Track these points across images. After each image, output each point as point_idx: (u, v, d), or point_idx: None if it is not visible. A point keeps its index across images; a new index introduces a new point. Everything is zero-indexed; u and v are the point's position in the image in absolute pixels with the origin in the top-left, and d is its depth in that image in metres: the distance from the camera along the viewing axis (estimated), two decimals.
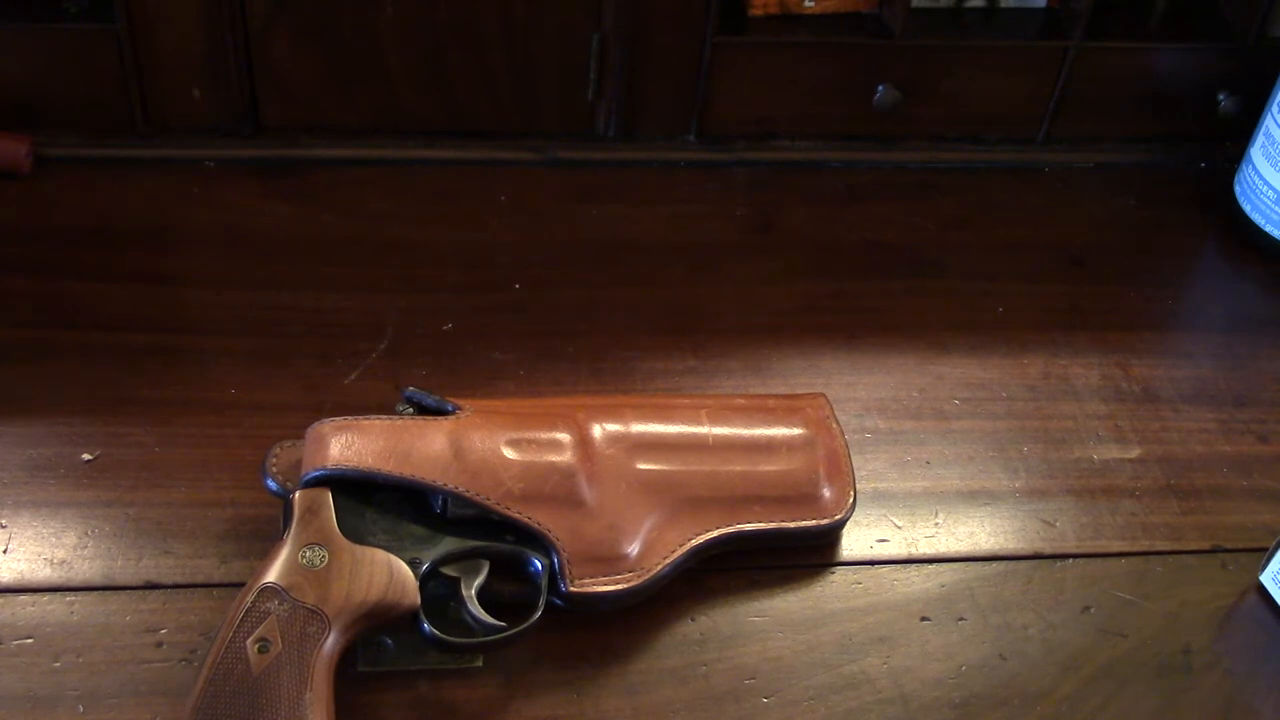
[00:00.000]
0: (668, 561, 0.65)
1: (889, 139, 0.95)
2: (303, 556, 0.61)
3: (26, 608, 0.64)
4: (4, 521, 0.68)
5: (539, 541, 0.64)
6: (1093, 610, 0.69)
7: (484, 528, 0.64)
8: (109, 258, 0.82)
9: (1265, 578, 0.70)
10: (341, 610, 0.60)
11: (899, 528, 0.72)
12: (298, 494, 0.63)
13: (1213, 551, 0.73)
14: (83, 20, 0.83)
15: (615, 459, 0.67)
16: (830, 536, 0.70)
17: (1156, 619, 0.69)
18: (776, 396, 0.74)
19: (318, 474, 0.63)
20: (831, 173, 0.94)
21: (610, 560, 0.65)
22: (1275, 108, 0.88)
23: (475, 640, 0.62)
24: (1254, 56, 0.94)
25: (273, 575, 0.60)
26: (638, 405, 0.70)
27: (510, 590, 0.64)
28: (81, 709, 0.61)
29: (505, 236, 0.86)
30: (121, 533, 0.68)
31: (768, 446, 0.70)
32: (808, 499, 0.69)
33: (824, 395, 0.74)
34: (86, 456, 0.71)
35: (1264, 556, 0.71)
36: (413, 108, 0.89)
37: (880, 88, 0.92)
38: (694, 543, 0.66)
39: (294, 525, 0.62)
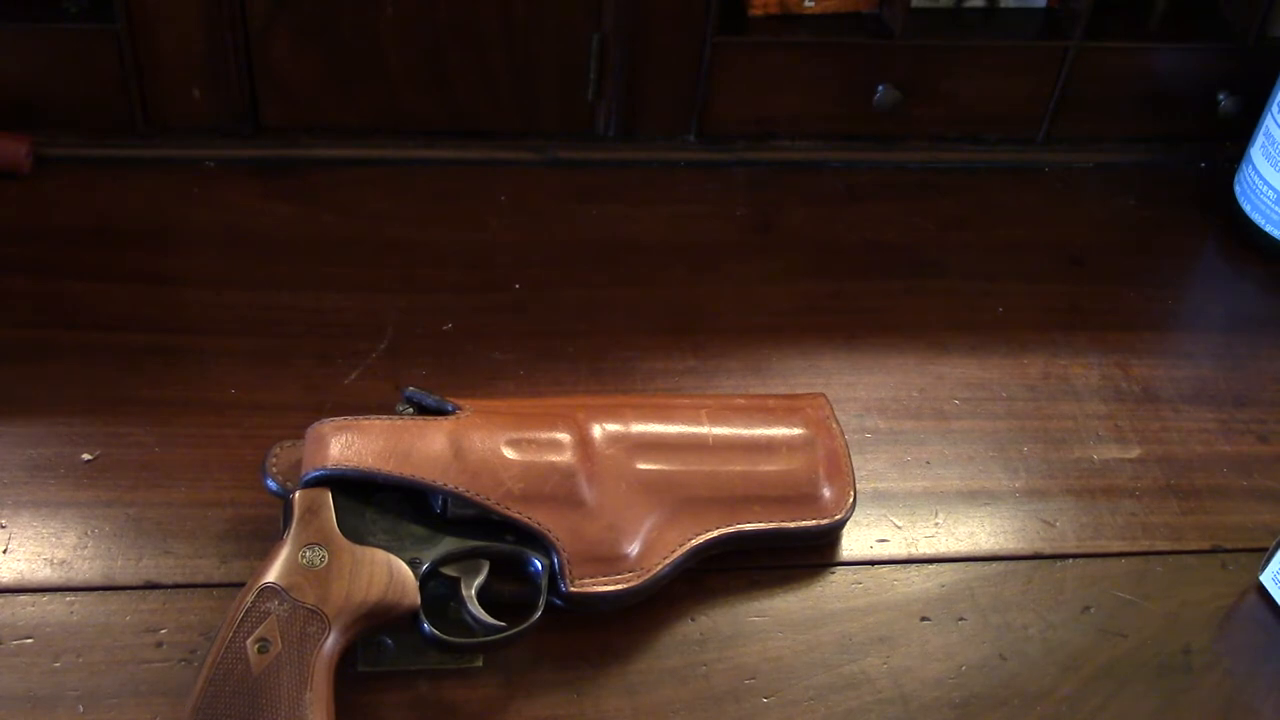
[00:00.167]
0: (668, 561, 0.65)
1: (889, 139, 0.95)
2: (303, 556, 0.61)
3: (26, 608, 0.64)
4: (4, 521, 0.68)
5: (539, 541, 0.64)
6: (1093, 610, 0.69)
7: (484, 528, 0.64)
8: (109, 258, 0.82)
9: (1265, 578, 0.70)
10: (341, 610, 0.60)
11: (899, 528, 0.72)
12: (298, 494, 0.63)
13: (1213, 551, 0.73)
14: (83, 20, 0.83)
15: (615, 459, 0.67)
16: (830, 536, 0.70)
17: (1156, 619, 0.69)
18: (776, 396, 0.74)
19: (318, 474, 0.63)
20: (831, 173, 0.94)
21: (610, 560, 0.65)
22: (1275, 108, 0.88)
23: (475, 640, 0.62)
24: (1254, 56, 0.94)
25: (273, 575, 0.60)
26: (638, 405, 0.70)
27: (510, 590, 0.64)
28: (81, 709, 0.61)
29: (505, 236, 0.86)
30: (121, 533, 0.68)
31: (768, 446, 0.70)
32: (808, 499, 0.69)
33: (824, 395, 0.74)
34: (86, 456, 0.71)
35: (1264, 556, 0.71)
36: (413, 108, 0.89)
37: (880, 88, 0.92)
38: (694, 543, 0.66)
39: (294, 525, 0.62)
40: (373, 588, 0.61)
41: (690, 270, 0.85)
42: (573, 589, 0.64)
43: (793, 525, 0.68)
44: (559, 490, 0.65)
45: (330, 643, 0.59)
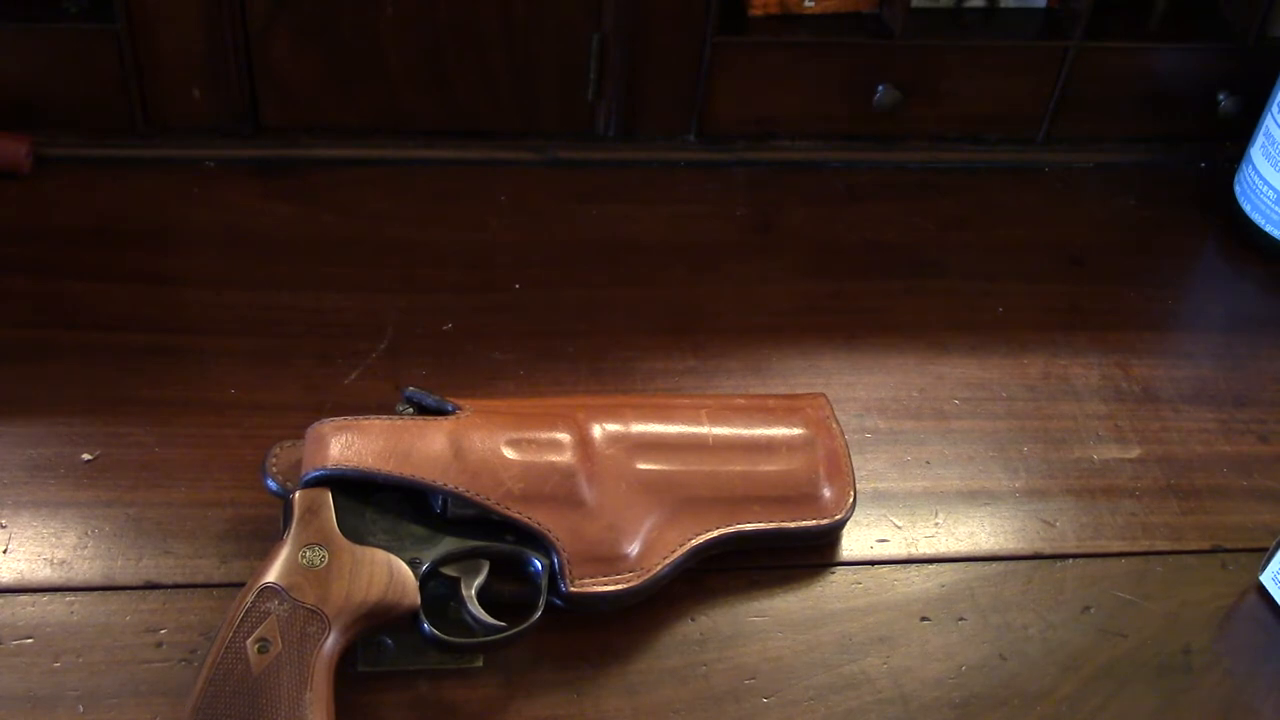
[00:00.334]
0: (668, 561, 0.65)
1: (889, 139, 0.95)
2: (303, 556, 0.61)
3: (26, 608, 0.64)
4: (4, 521, 0.68)
5: (539, 541, 0.64)
6: (1093, 610, 0.69)
7: (484, 528, 0.64)
8: (109, 258, 0.82)
9: (1265, 578, 0.70)
10: (341, 610, 0.60)
11: (899, 528, 0.72)
12: (298, 494, 0.63)
13: (1213, 551, 0.73)
14: (83, 20, 0.83)
15: (615, 459, 0.67)
16: (830, 536, 0.70)
17: (1156, 619, 0.69)
18: (776, 396, 0.74)
19: (318, 474, 0.63)
20: (831, 173, 0.94)
21: (610, 560, 0.65)
22: (1275, 108, 0.88)
23: (475, 640, 0.62)
24: (1254, 56, 0.94)
25: (273, 575, 0.60)
26: (638, 405, 0.70)
27: (510, 590, 0.64)
28: (81, 709, 0.61)
29: (505, 236, 0.86)
30: (121, 533, 0.68)
31: (768, 446, 0.70)
32: (808, 499, 0.69)
33: (824, 395, 0.74)
34: (86, 456, 0.71)
35: (1264, 556, 0.71)
36: (413, 108, 0.89)
37: (880, 88, 0.92)
38: (694, 543, 0.66)
39: (294, 525, 0.62)
40: (373, 588, 0.61)
41: (690, 270, 0.85)
42: (573, 589, 0.64)
43: (793, 525, 0.68)
44: (559, 490, 0.65)
45: (330, 643, 0.59)
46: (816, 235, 0.89)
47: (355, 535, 0.62)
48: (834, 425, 0.72)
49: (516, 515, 0.64)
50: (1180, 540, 0.73)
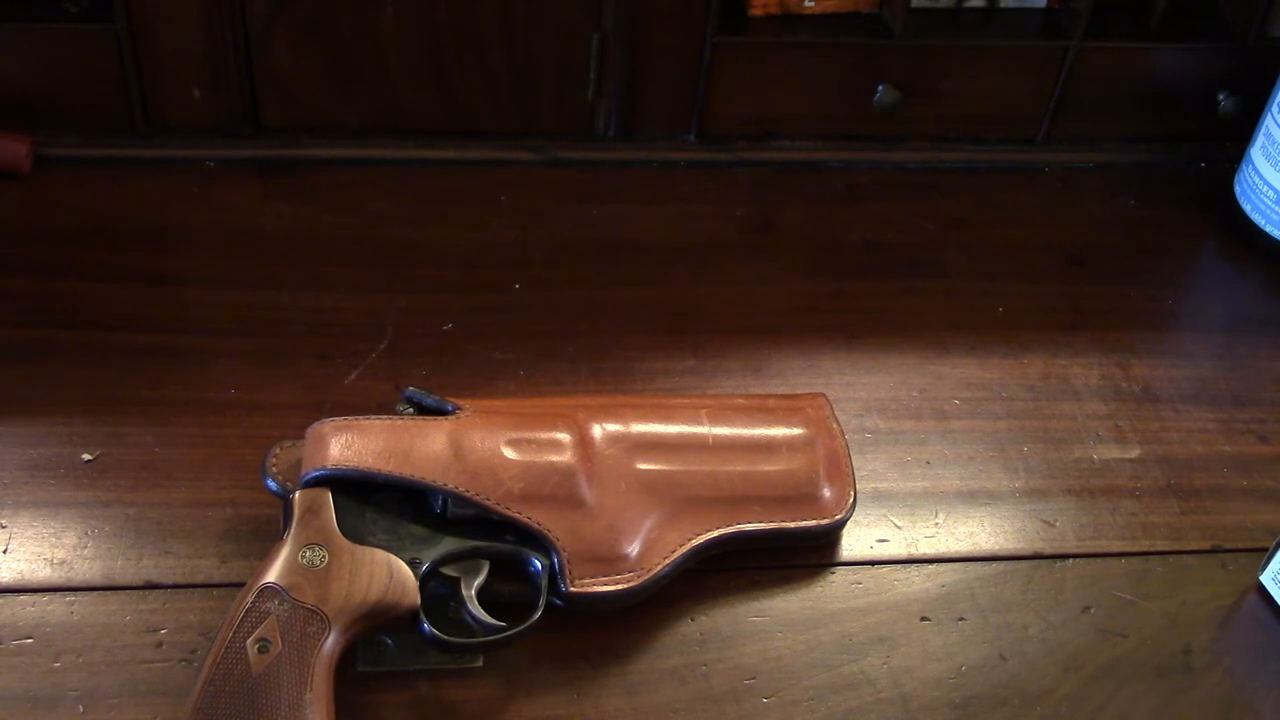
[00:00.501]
0: (668, 561, 0.65)
1: (889, 139, 0.95)
2: (303, 556, 0.61)
3: (26, 608, 0.64)
4: (4, 521, 0.68)
5: (539, 541, 0.64)
6: (1093, 610, 0.69)
7: (484, 528, 0.64)
8: (109, 258, 0.82)
9: (1265, 578, 0.70)
10: (341, 610, 0.60)
11: (899, 528, 0.72)
12: (298, 494, 0.63)
13: (1213, 551, 0.73)
14: (83, 20, 0.83)
15: (615, 459, 0.67)
16: (830, 536, 0.70)
17: (1156, 619, 0.69)
18: (776, 396, 0.74)
19: (318, 474, 0.63)
20: (831, 173, 0.94)
21: (610, 560, 0.65)
22: (1275, 108, 0.88)
23: (475, 640, 0.62)
24: (1254, 56, 0.94)
25: (273, 575, 0.60)
26: (638, 405, 0.70)
27: (510, 590, 0.64)
28: (81, 709, 0.61)
29: (505, 236, 0.86)
30: (121, 533, 0.68)
31: (768, 446, 0.70)
32: (808, 499, 0.69)
33: (824, 395, 0.74)
34: (86, 456, 0.71)
35: (1264, 556, 0.71)
36: (413, 108, 0.89)
37: (880, 88, 0.92)
38: (694, 543, 0.66)
39: (294, 525, 0.62)
40: (373, 588, 0.61)
41: (690, 270, 0.85)
42: (573, 589, 0.64)
43: (793, 525, 0.68)
44: (559, 490, 0.65)
45: (330, 643, 0.59)
46: (816, 235, 0.89)
47: (355, 535, 0.62)
48: (834, 425, 0.72)
49: (516, 515, 0.64)
50: (1180, 540, 0.73)
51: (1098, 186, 0.95)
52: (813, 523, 0.69)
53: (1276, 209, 0.89)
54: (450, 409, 0.67)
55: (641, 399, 0.72)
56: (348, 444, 0.64)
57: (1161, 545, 0.73)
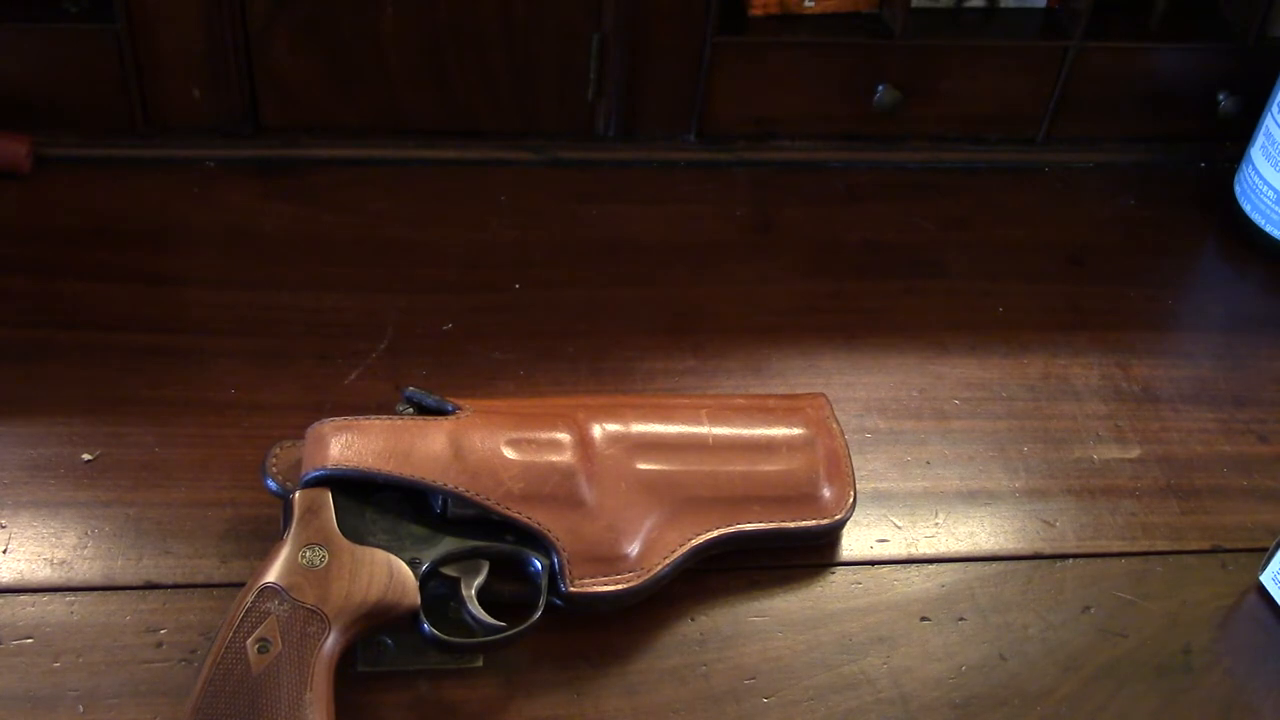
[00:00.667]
0: (668, 561, 0.65)
1: (889, 139, 0.95)
2: (303, 556, 0.61)
3: (26, 608, 0.64)
4: (4, 521, 0.68)
5: (539, 541, 0.64)
6: (1093, 610, 0.69)
7: (484, 528, 0.64)
8: (109, 258, 0.82)
9: (1265, 578, 0.70)
10: (341, 610, 0.60)
11: (899, 528, 0.72)
12: (298, 494, 0.63)
13: (1213, 551, 0.73)
14: (83, 20, 0.83)
15: (615, 459, 0.67)
16: (830, 536, 0.70)
17: (1156, 619, 0.69)
18: (776, 396, 0.74)
19: (318, 474, 0.63)
20: (831, 173, 0.94)
21: (610, 560, 0.65)
22: (1275, 108, 0.88)
23: (475, 640, 0.62)
24: (1254, 56, 0.94)
25: (273, 575, 0.60)
26: (638, 405, 0.70)
27: (510, 590, 0.64)
28: (81, 709, 0.61)
29: (505, 236, 0.86)
30: (121, 533, 0.68)
31: (768, 446, 0.70)
32: (808, 499, 0.69)
33: (824, 395, 0.74)
34: (86, 456, 0.71)
35: (1264, 556, 0.71)
36: (413, 108, 0.89)
37: (880, 88, 0.92)
38: (694, 543, 0.66)
39: (294, 525, 0.62)
40: (373, 588, 0.61)
41: (690, 270, 0.85)
42: (573, 589, 0.64)
43: (793, 525, 0.68)
44: (559, 490, 0.65)
45: (330, 643, 0.59)
46: (816, 235, 0.89)
47: (355, 535, 0.62)
48: (834, 425, 0.72)
49: (516, 515, 0.64)
50: (1180, 540, 0.73)
51: (1098, 186, 0.95)
52: (813, 523, 0.69)
53: (1276, 209, 0.89)
54: (450, 409, 0.67)
55: (641, 399, 0.72)
56: (348, 444, 0.64)
57: (1161, 545, 0.73)
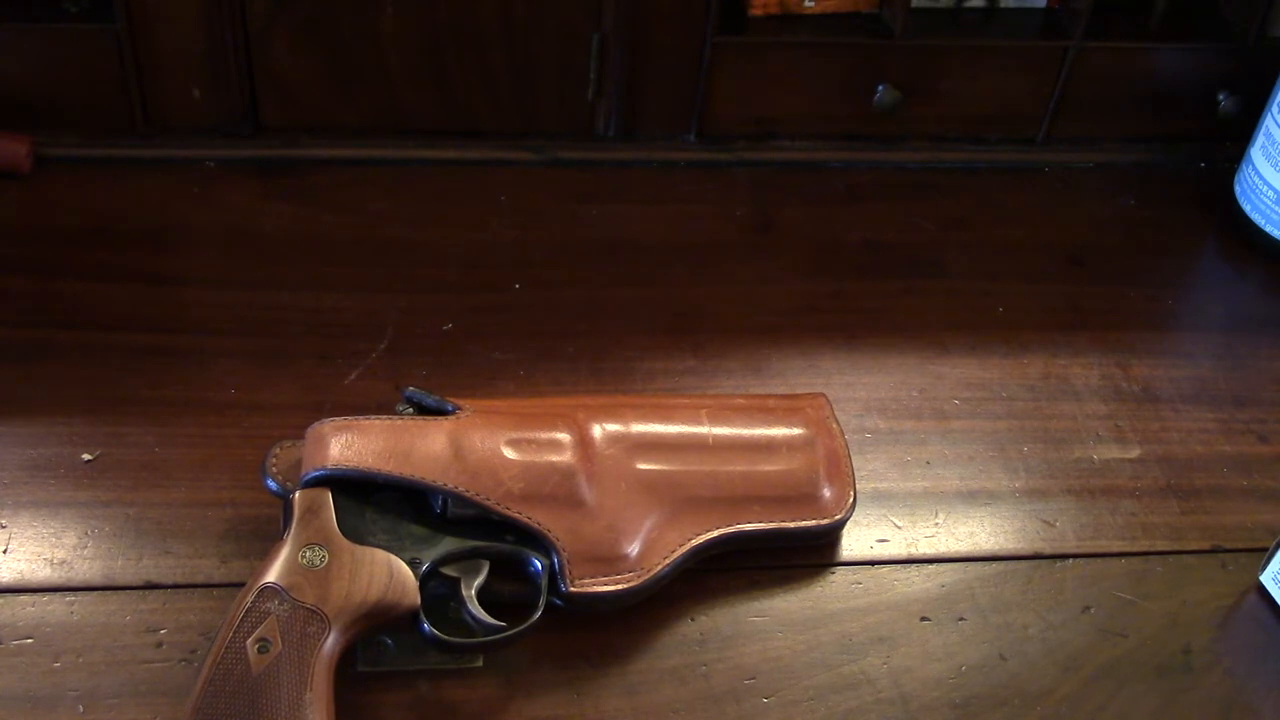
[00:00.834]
0: (668, 561, 0.65)
1: (889, 139, 0.95)
2: (303, 556, 0.61)
3: (26, 608, 0.64)
4: (4, 521, 0.68)
5: (539, 541, 0.64)
6: (1093, 610, 0.69)
7: (484, 528, 0.64)
8: (109, 258, 0.82)
9: (1265, 578, 0.70)
10: (341, 610, 0.60)
11: (899, 528, 0.72)
12: (298, 494, 0.63)
13: (1213, 551, 0.73)
14: (83, 20, 0.83)
15: (615, 459, 0.67)
16: (830, 536, 0.70)
17: (1156, 619, 0.69)
18: (776, 396, 0.74)
19: (318, 474, 0.63)
20: (831, 173, 0.94)
21: (610, 560, 0.65)
22: (1275, 108, 0.88)
23: (475, 640, 0.62)
24: (1254, 56, 0.94)
25: (273, 575, 0.60)
26: (638, 405, 0.70)
27: (510, 590, 0.64)
28: (81, 709, 0.61)
29: (505, 236, 0.86)
30: (121, 533, 0.68)
31: (768, 446, 0.70)
32: (808, 499, 0.69)
33: (824, 395, 0.74)
34: (86, 456, 0.71)
35: (1264, 556, 0.71)
36: (413, 108, 0.89)
37: (880, 88, 0.92)
38: (694, 543, 0.66)
39: (294, 525, 0.62)
40: (373, 588, 0.61)
41: (690, 270, 0.85)
42: (573, 589, 0.64)
43: (793, 525, 0.68)
44: (559, 490, 0.65)
45: (330, 643, 0.59)
46: (816, 235, 0.89)
47: (355, 535, 0.62)
48: (834, 425, 0.72)
49: (516, 515, 0.64)
50: (1180, 540, 0.73)
51: (1098, 186, 0.95)
52: (813, 523, 0.69)
53: (1276, 209, 0.89)
54: (450, 409, 0.67)
55: (641, 399, 0.72)
56: (348, 444, 0.64)
57: (1161, 545, 0.73)
